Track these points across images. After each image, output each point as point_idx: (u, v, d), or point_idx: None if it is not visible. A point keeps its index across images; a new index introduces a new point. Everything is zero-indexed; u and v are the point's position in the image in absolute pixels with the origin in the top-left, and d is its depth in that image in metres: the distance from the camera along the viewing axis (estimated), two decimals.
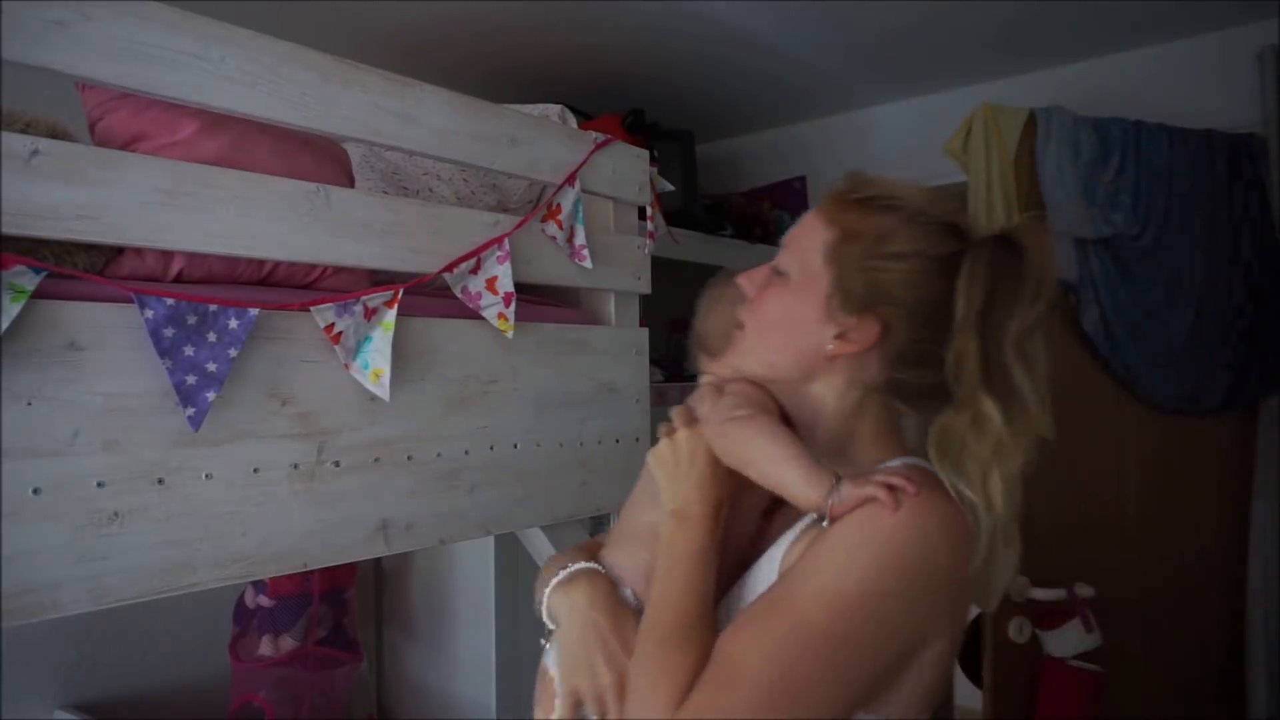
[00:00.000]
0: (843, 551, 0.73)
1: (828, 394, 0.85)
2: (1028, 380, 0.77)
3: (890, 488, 0.73)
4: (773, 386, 0.89)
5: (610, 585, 0.90)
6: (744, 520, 0.88)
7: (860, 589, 0.72)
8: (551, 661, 0.91)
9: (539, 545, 1.50)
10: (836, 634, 0.71)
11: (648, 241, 1.63)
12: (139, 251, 1.04)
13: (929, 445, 0.79)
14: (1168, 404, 2.03)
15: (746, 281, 0.91)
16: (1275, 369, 2.05)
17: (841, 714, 0.72)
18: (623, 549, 0.94)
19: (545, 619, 0.93)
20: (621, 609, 0.88)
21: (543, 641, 0.93)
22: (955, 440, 0.77)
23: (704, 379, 0.98)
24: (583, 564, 0.92)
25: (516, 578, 2.19)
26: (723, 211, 3.01)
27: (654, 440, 0.92)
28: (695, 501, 0.84)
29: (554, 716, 0.89)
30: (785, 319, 0.86)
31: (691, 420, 0.89)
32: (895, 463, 0.81)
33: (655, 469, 0.89)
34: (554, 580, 0.91)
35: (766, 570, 0.81)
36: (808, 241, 0.86)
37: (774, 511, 0.89)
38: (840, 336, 0.82)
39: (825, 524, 0.77)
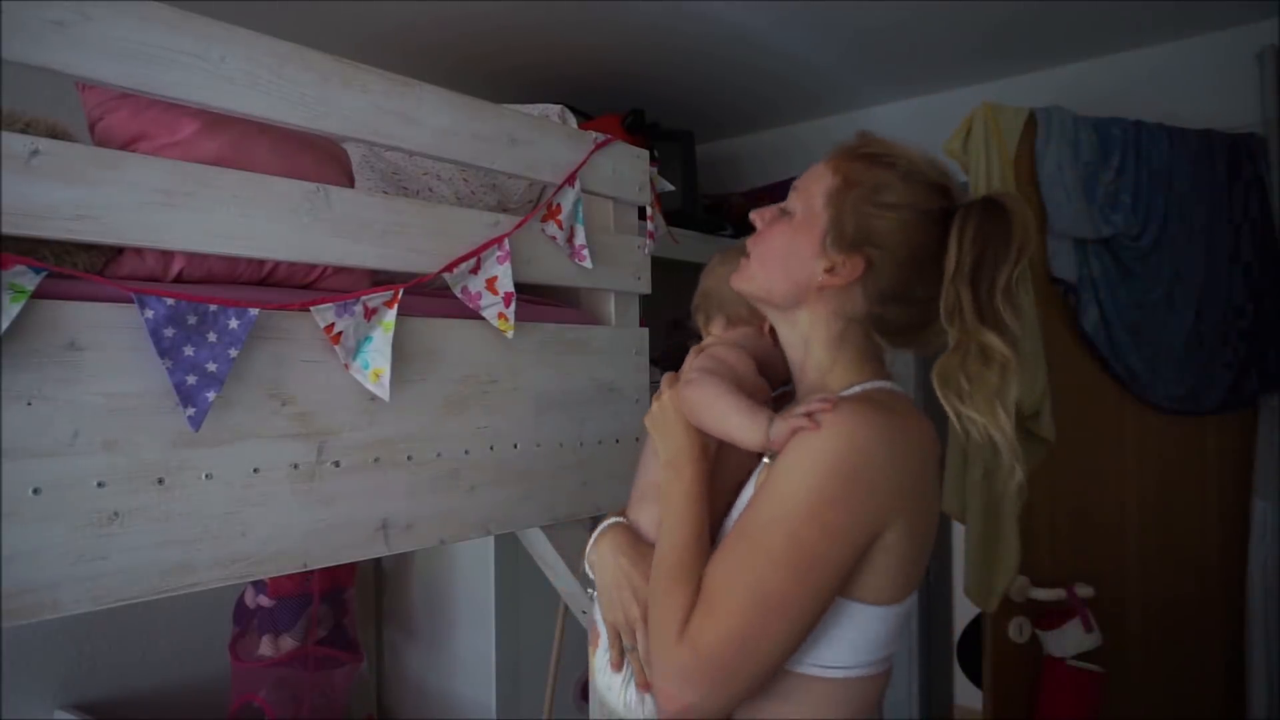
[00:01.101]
0: (786, 477, 0.85)
1: (816, 321, 0.98)
2: (1015, 322, 0.89)
3: (810, 414, 0.85)
4: (768, 309, 1.03)
5: (631, 533, 1.06)
6: (739, 461, 0.99)
7: (805, 504, 0.83)
8: (596, 609, 1.07)
9: (539, 545, 1.50)
10: (794, 547, 0.82)
11: (648, 241, 1.63)
12: (139, 251, 1.04)
13: (933, 380, 0.90)
14: (1168, 404, 2.03)
15: (757, 217, 1.03)
16: (1275, 369, 2.05)
17: (818, 609, 0.84)
18: (639, 507, 1.09)
19: (587, 570, 1.09)
20: (643, 552, 1.01)
21: (589, 592, 1.10)
22: (956, 375, 0.88)
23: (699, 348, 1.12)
24: (610, 520, 1.08)
25: (516, 578, 2.19)
26: (723, 211, 3.00)
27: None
28: (682, 453, 0.97)
29: (599, 650, 1.05)
30: (785, 251, 0.97)
31: (675, 383, 1.04)
32: (858, 388, 0.94)
33: (650, 428, 1.04)
34: (593, 538, 1.07)
35: (745, 496, 0.95)
36: (813, 186, 0.98)
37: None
38: (829, 270, 0.94)
39: (768, 459, 0.91)
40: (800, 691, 0.88)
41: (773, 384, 1.09)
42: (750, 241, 1.02)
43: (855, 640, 0.88)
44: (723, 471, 0.99)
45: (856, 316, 0.96)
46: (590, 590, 1.09)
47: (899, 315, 0.95)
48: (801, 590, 0.83)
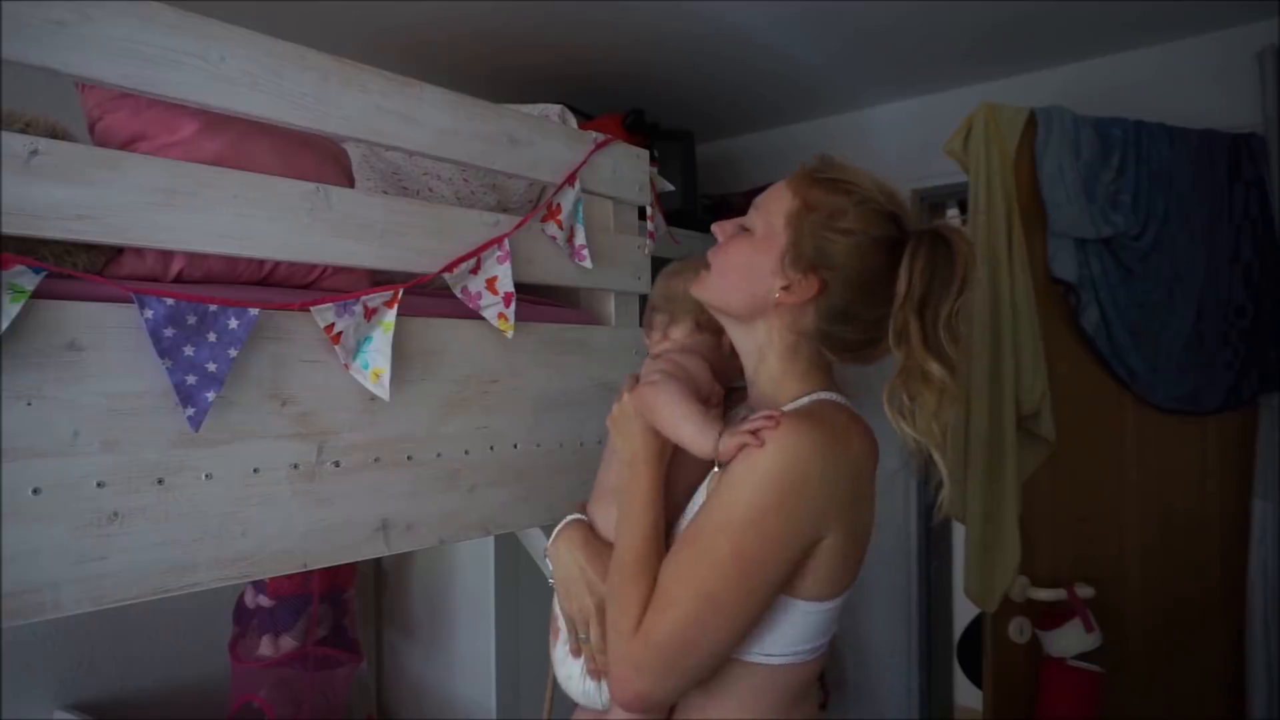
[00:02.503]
0: (732, 487, 0.92)
1: (770, 333, 1.03)
2: (954, 350, 0.95)
3: (755, 431, 0.91)
4: (724, 318, 1.08)
5: (588, 529, 1.12)
6: (693, 463, 1.03)
7: (746, 513, 0.90)
8: (556, 602, 1.13)
9: (539, 545, 1.49)
10: (736, 553, 0.89)
11: (648, 241, 1.63)
12: (139, 251, 1.04)
13: (884, 400, 0.98)
14: (1168, 404, 2.03)
15: (719, 229, 1.09)
16: (1275, 369, 2.05)
17: (758, 607, 0.92)
18: (598, 505, 1.14)
19: (547, 564, 1.14)
20: (598, 546, 1.08)
21: (550, 583, 1.15)
22: (900, 395, 0.96)
23: (654, 352, 1.19)
24: (570, 517, 1.14)
25: (516, 578, 2.19)
26: (723, 211, 3.00)
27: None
28: (640, 455, 1.02)
29: (559, 642, 1.12)
30: (744, 266, 1.03)
31: (635, 384, 1.08)
32: (805, 399, 1.00)
33: (610, 428, 1.09)
34: (553, 535, 1.13)
35: (698, 503, 1.01)
36: (774, 206, 1.03)
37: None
38: (786, 288, 0.99)
39: (718, 469, 0.96)
40: (746, 677, 0.96)
41: (725, 386, 1.16)
42: (711, 252, 1.07)
43: (795, 632, 0.95)
44: (678, 473, 1.04)
45: (808, 332, 1.01)
46: (550, 581, 1.14)
47: (846, 333, 1.01)
48: (743, 591, 0.90)
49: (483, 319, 1.30)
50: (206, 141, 1.10)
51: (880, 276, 0.97)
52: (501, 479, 1.35)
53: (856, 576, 1.00)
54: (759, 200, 1.06)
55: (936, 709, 2.84)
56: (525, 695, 2.18)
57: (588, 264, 1.47)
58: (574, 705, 1.15)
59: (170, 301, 0.95)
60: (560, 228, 1.43)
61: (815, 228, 0.98)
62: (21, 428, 0.87)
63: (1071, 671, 1.88)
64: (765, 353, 1.04)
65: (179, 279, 1.07)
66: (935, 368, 0.93)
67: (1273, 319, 2.06)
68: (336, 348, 1.11)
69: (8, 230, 0.87)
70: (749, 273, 1.02)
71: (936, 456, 0.96)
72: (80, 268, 0.98)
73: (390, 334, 1.15)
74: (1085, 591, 1.92)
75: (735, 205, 3.08)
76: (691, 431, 0.98)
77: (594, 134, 1.54)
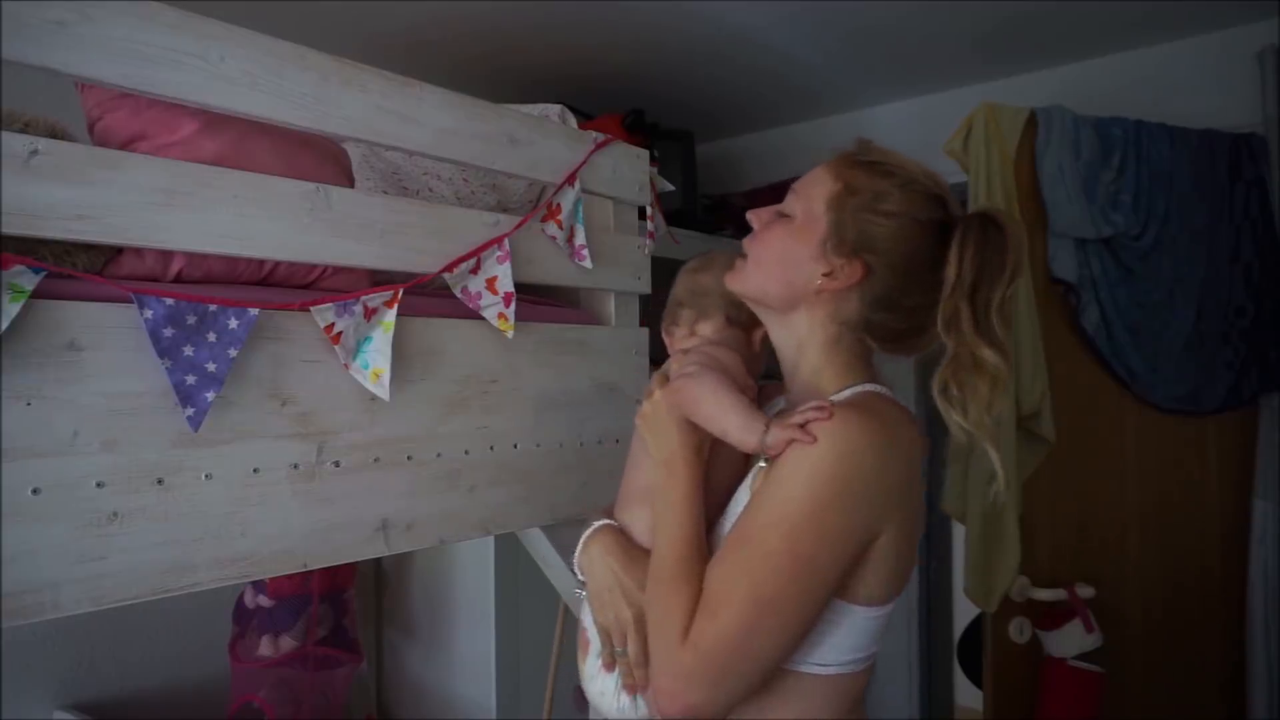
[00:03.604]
0: (783, 483, 0.87)
1: (811, 323, 0.99)
2: (1006, 335, 0.92)
3: (804, 425, 0.87)
4: (762, 310, 1.04)
5: (621, 535, 1.06)
6: (730, 459, 1.00)
7: (801, 510, 0.85)
8: (584, 611, 1.08)
9: (539, 545, 1.49)
10: (791, 552, 0.85)
11: (648, 241, 1.63)
12: (139, 251, 1.04)
13: (933, 389, 0.93)
14: (1168, 404, 2.03)
15: (754, 217, 1.04)
16: (1275, 368, 2.05)
17: (814, 611, 0.87)
18: (627, 509, 1.09)
19: (576, 574, 1.09)
20: (633, 552, 1.02)
21: (576, 591, 1.11)
22: (950, 385, 0.92)
23: (679, 349, 1.14)
24: (598, 521, 1.08)
25: (516, 578, 2.19)
26: (723, 211, 3.00)
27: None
28: (676, 453, 0.97)
29: (590, 656, 1.07)
30: (784, 253, 0.98)
31: (665, 382, 1.03)
32: (848, 391, 0.96)
33: (641, 427, 1.04)
34: (581, 540, 1.07)
35: (741, 496, 0.97)
36: (814, 190, 0.99)
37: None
38: (828, 274, 0.96)
39: (763, 464, 0.92)
40: (795, 689, 0.91)
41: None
42: (747, 242, 1.03)
43: (847, 639, 0.91)
44: (715, 470, 1.00)
45: (850, 321, 0.97)
46: (579, 591, 1.09)
47: (891, 321, 0.97)
48: (798, 593, 0.85)
49: (483, 319, 1.30)
50: (206, 141, 1.10)
51: (926, 261, 0.94)
52: (501, 479, 1.35)
53: (909, 578, 0.96)
54: (797, 185, 1.02)
55: (936, 709, 2.84)
56: (525, 695, 2.18)
57: (588, 264, 1.47)
58: (575, 706, 1.14)
59: (170, 301, 0.95)
60: (560, 228, 1.43)
61: (858, 211, 0.95)
62: (21, 428, 0.87)
63: (1071, 671, 1.88)
64: (805, 345, 1.00)
65: (179, 279, 1.07)
66: (989, 354, 0.90)
67: (1273, 319, 2.06)
68: (336, 348, 1.11)
69: (8, 230, 0.87)
70: (789, 260, 0.98)
71: (989, 449, 0.92)
72: (80, 268, 0.98)
73: (390, 334, 1.15)
74: (1085, 591, 1.92)
75: (735, 205, 3.08)
76: (737, 423, 0.93)
77: (594, 134, 1.53)
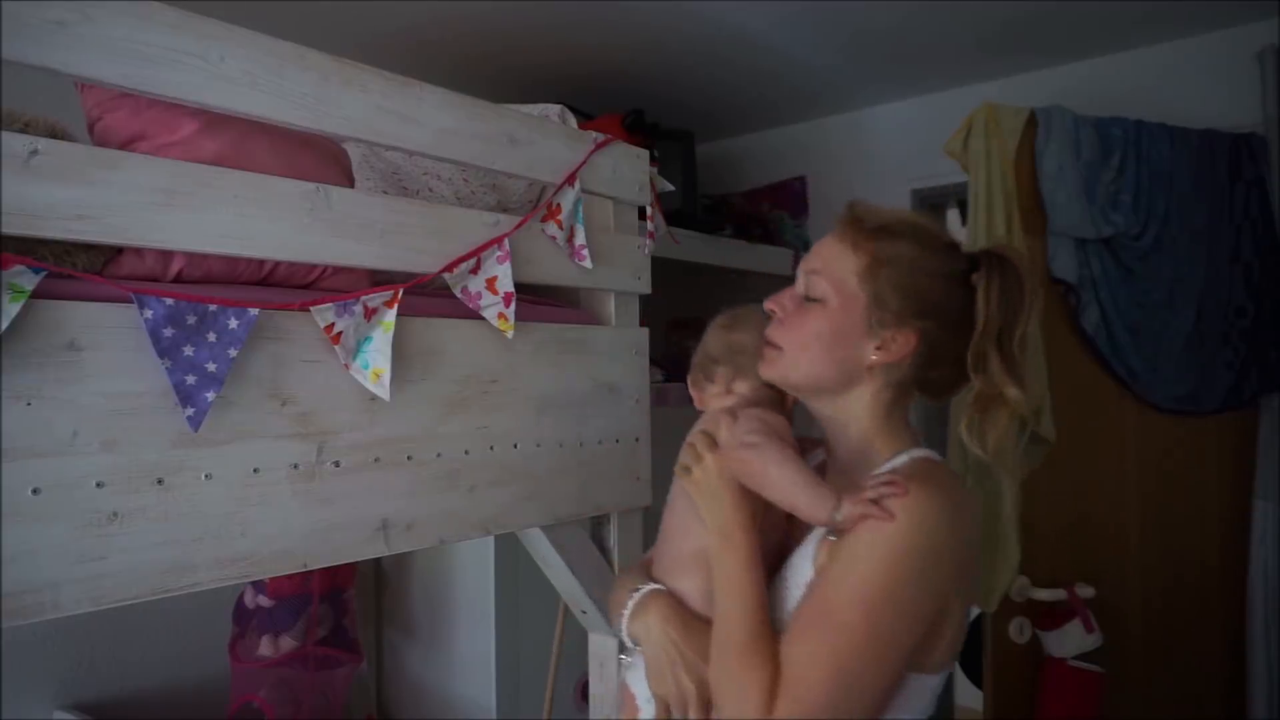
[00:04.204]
0: (859, 560, 0.87)
1: (863, 397, 0.99)
2: (1026, 368, 0.96)
3: (878, 500, 0.87)
4: (814, 397, 1.03)
5: (676, 602, 1.03)
6: (777, 514, 0.99)
7: (880, 588, 0.86)
8: (632, 677, 1.06)
9: (539, 545, 1.50)
10: (872, 631, 0.86)
11: (648, 241, 1.63)
12: (139, 251, 1.04)
13: (962, 428, 0.97)
14: (1168, 404, 2.03)
15: (775, 305, 1.03)
16: (1275, 369, 2.05)
17: (893, 686, 0.89)
18: (679, 575, 1.06)
19: (625, 639, 1.07)
20: (691, 623, 1.01)
21: (621, 658, 1.09)
22: (977, 423, 0.95)
23: (713, 406, 1.12)
24: (650, 587, 1.06)
25: (516, 578, 2.19)
26: (723, 211, 3.00)
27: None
28: (733, 521, 0.96)
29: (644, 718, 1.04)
30: (828, 336, 0.98)
31: (714, 445, 1.02)
32: (903, 458, 0.97)
33: (694, 494, 1.01)
34: (630, 605, 1.05)
35: (800, 565, 0.96)
36: (838, 267, 0.99)
37: None
38: (880, 348, 0.97)
39: (831, 536, 0.92)
40: None
41: None
42: (776, 332, 1.02)
43: (913, 707, 0.93)
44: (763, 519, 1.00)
45: (904, 384, 0.99)
46: (625, 657, 1.08)
47: (941, 375, 1.00)
48: (881, 670, 0.87)
49: (483, 319, 1.30)
50: (206, 141, 1.10)
51: (965, 310, 0.96)
52: (501, 479, 1.35)
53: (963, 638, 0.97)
54: (814, 266, 1.01)
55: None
56: (525, 695, 2.18)
57: (588, 264, 1.47)
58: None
59: (170, 301, 0.95)
60: (560, 228, 1.43)
61: (893, 280, 0.96)
62: (21, 428, 0.87)
63: (1071, 671, 1.88)
64: (857, 415, 1.00)
65: (179, 279, 1.07)
66: (1013, 391, 0.93)
67: (1273, 319, 2.06)
68: (336, 348, 1.11)
69: (8, 230, 0.86)
70: (836, 341, 0.98)
71: (1005, 480, 0.96)
72: (80, 268, 0.98)
73: (390, 334, 1.15)
74: (1085, 591, 1.92)
75: (735, 205, 3.08)
76: (808, 499, 0.92)
77: (594, 134, 1.53)
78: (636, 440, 1.59)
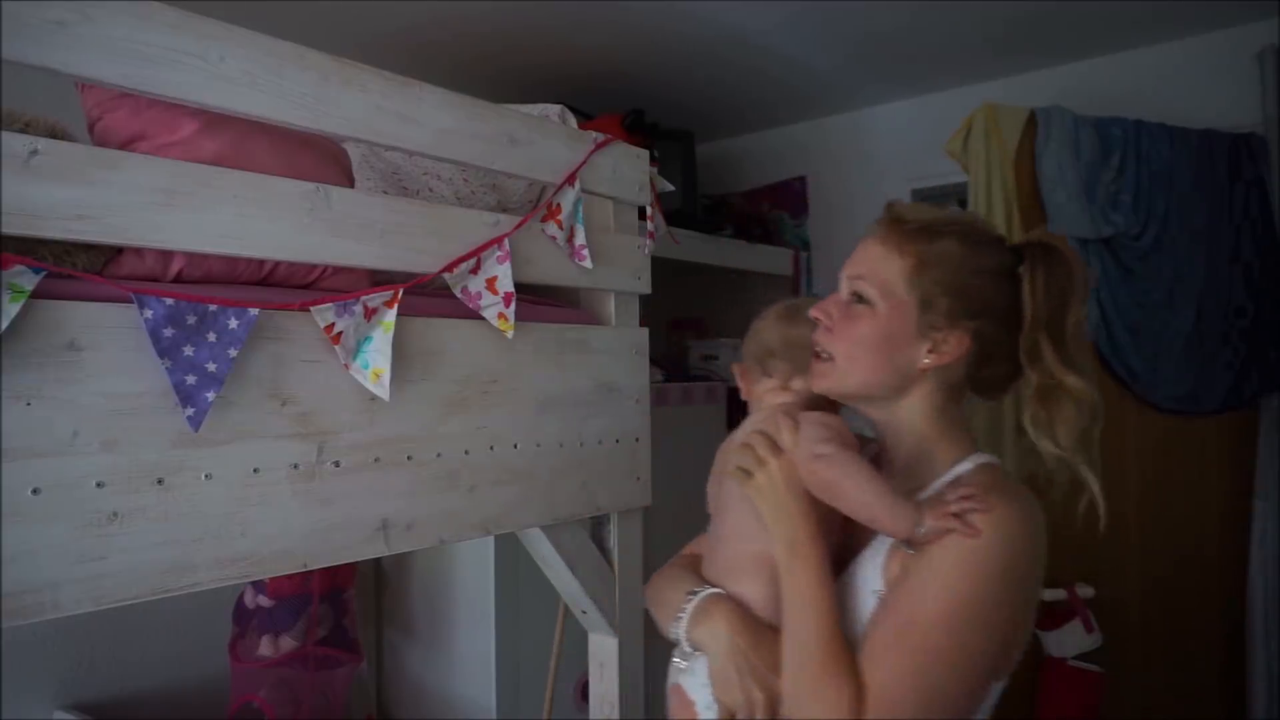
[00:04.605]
0: (944, 576, 0.86)
1: (918, 400, 0.98)
2: (1084, 357, 0.94)
3: (960, 514, 0.86)
4: (867, 404, 1.01)
5: (744, 610, 1.00)
6: (836, 517, 0.97)
7: (969, 606, 0.85)
8: (690, 683, 1.02)
9: (539, 545, 1.50)
10: (962, 649, 0.85)
11: (648, 241, 1.63)
12: (139, 251, 1.04)
13: (1025, 422, 0.94)
14: (1168, 404, 2.03)
15: (821, 314, 1.01)
16: (1275, 369, 2.05)
17: (980, 702, 0.90)
18: (740, 580, 1.03)
19: (683, 643, 1.03)
20: (762, 632, 0.98)
21: (676, 661, 1.05)
22: (1042, 417, 0.93)
23: (767, 401, 1.10)
24: (710, 590, 1.03)
25: (516, 578, 2.19)
26: (723, 211, 3.00)
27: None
28: (803, 531, 0.94)
29: None
30: (881, 342, 0.96)
31: (776, 449, 0.98)
32: (968, 464, 0.96)
33: (758, 501, 0.98)
34: (689, 608, 1.02)
35: (868, 574, 0.95)
36: (883, 271, 0.97)
37: None
38: (932, 350, 0.95)
39: (906, 548, 0.90)
40: None
41: None
42: (824, 340, 1.00)
43: (984, 709, 0.93)
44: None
45: (957, 384, 0.98)
46: (680, 661, 1.04)
47: (998, 372, 0.98)
48: (969, 689, 0.88)
49: (483, 319, 1.30)
50: (206, 141, 1.10)
51: (1015, 304, 0.95)
52: (501, 479, 1.35)
53: None
54: (858, 271, 0.99)
55: None
56: (525, 695, 2.18)
57: (588, 264, 1.47)
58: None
59: (170, 301, 0.95)
60: (560, 228, 1.43)
61: (942, 280, 0.94)
62: (21, 428, 0.87)
63: (1071, 671, 1.88)
64: (915, 422, 0.99)
65: (179, 279, 1.07)
66: (1073, 380, 0.91)
67: (1273, 319, 2.06)
68: (336, 348, 1.11)
69: (8, 230, 0.86)
70: (887, 347, 0.96)
71: (1085, 472, 0.93)
72: (80, 268, 0.98)
73: (390, 334, 1.15)
74: (1085, 591, 1.92)
75: (735, 205, 3.08)
76: (888, 512, 0.90)
77: (594, 134, 1.53)
78: (636, 440, 1.59)
